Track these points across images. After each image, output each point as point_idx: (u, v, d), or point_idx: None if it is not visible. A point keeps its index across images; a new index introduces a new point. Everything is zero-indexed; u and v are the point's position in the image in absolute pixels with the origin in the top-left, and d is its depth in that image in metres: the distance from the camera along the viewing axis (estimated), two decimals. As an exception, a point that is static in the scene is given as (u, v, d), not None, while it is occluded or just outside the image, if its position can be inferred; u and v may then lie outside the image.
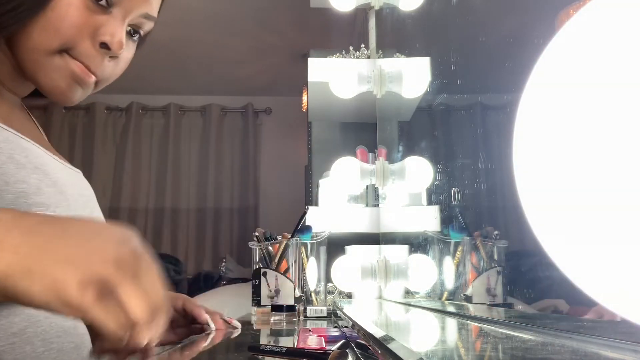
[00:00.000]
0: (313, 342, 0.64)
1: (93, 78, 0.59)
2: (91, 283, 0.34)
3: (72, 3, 0.54)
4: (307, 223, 1.23)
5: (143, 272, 0.37)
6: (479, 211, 0.88)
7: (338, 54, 1.50)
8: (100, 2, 0.56)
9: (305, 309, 1.12)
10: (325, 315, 1.11)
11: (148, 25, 0.64)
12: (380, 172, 1.31)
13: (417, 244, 1.24)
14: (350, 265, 1.24)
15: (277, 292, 1.07)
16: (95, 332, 0.48)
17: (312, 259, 1.18)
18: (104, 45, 0.57)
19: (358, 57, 1.49)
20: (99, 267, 0.35)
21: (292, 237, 1.13)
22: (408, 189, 1.30)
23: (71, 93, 0.59)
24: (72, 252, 0.35)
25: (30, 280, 0.34)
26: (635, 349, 0.35)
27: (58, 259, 0.35)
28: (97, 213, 0.65)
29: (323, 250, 1.22)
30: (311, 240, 1.18)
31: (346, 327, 0.85)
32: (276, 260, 1.10)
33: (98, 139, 3.75)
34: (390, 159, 1.37)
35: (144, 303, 0.36)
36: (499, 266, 0.78)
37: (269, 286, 1.07)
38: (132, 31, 0.62)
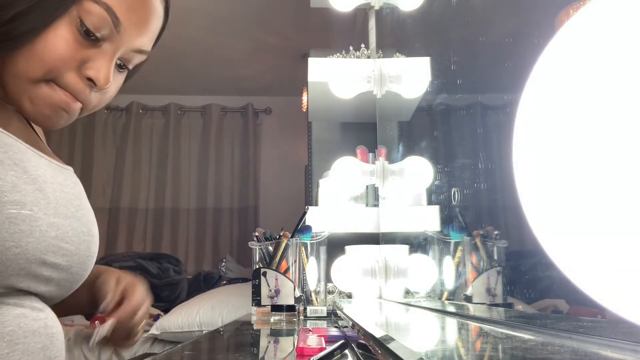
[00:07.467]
0: (313, 342, 0.64)
1: (79, 104, 0.59)
2: None
3: (62, 35, 0.54)
4: (307, 223, 1.23)
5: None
6: (479, 211, 0.88)
7: (338, 54, 1.50)
8: (91, 37, 0.56)
9: (305, 309, 1.12)
10: (325, 315, 1.11)
11: (139, 59, 0.63)
12: (380, 172, 1.31)
13: (417, 244, 1.24)
14: (350, 265, 1.24)
15: (277, 292, 1.07)
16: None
17: (312, 259, 1.18)
18: (90, 80, 0.57)
19: (358, 57, 1.49)
20: None
21: (292, 237, 1.13)
22: (408, 189, 1.30)
23: (56, 119, 0.58)
24: None
25: None
26: (635, 349, 0.35)
27: None
28: (84, 211, 0.61)
29: (323, 250, 1.22)
30: (311, 240, 1.18)
31: (346, 327, 0.85)
32: (276, 260, 1.10)
33: (98, 139, 3.75)
34: (390, 159, 1.37)
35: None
36: (499, 266, 0.78)
37: (269, 286, 1.07)
38: (122, 64, 0.62)
